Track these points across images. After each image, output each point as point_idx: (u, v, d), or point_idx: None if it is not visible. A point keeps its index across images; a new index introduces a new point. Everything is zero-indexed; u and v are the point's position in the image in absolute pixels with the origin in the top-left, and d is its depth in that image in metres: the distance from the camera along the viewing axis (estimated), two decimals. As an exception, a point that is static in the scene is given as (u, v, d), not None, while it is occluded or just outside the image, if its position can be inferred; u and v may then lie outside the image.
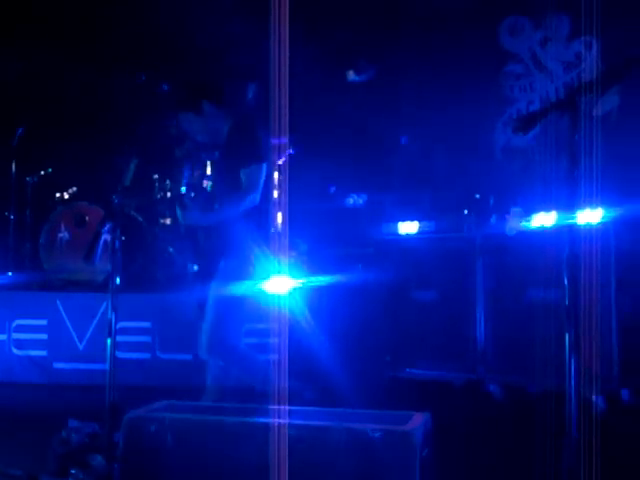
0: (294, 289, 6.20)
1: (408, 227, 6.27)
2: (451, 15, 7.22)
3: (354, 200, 7.28)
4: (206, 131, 4.38)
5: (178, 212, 4.33)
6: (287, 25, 6.03)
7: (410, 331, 6.05)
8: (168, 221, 7.19)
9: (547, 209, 5.37)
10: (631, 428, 4.61)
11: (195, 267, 4.47)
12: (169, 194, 7.16)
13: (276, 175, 7.01)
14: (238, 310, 4.30)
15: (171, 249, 7.10)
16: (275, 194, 6.94)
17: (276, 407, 3.52)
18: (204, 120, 4.34)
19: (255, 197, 4.32)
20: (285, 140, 6.75)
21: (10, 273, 7.23)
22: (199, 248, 4.33)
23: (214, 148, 4.49)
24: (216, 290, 4.23)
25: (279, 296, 5.91)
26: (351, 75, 7.91)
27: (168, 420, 3.17)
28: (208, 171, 6.76)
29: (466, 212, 6.09)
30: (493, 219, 5.83)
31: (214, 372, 4.40)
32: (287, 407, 3.50)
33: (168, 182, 7.16)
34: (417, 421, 3.09)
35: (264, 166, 4.28)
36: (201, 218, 4.26)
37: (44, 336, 6.49)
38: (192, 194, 4.18)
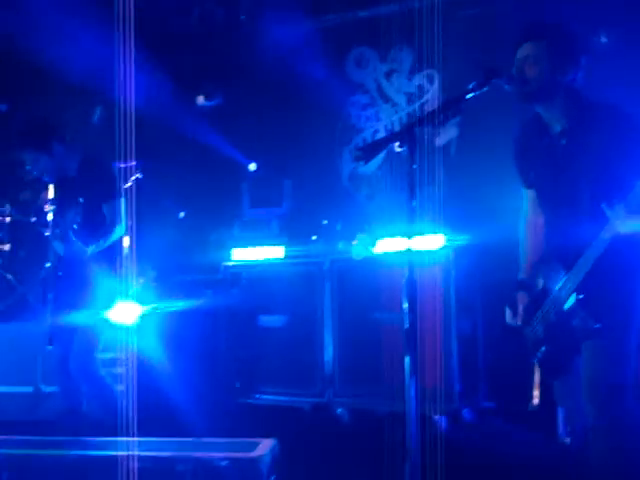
0: (142, 316, 6.07)
1: (257, 253, 6.29)
2: (300, 44, 7.35)
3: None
4: (56, 169, 4.44)
5: (58, 246, 4.36)
6: (132, 48, 5.95)
7: (259, 357, 6.05)
8: (7, 247, 6.88)
9: (391, 235, 5.54)
10: (472, 445, 4.79)
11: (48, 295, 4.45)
12: (8, 219, 6.87)
13: (122, 201, 6.89)
14: (95, 337, 4.46)
15: (9, 276, 6.79)
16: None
17: (122, 439, 3.43)
18: (54, 160, 4.37)
19: (123, 228, 4.56)
20: (133, 164, 6.66)
21: None
22: (56, 277, 4.34)
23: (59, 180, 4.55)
24: (79, 319, 4.34)
25: (126, 324, 5.79)
26: (201, 100, 7.89)
27: (3, 456, 3.02)
28: (49, 195, 6.56)
29: (314, 237, 6.18)
30: (340, 244, 5.94)
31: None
32: (134, 438, 3.42)
33: (7, 206, 6.87)
34: (264, 448, 3.10)
35: (123, 199, 4.41)
36: (84, 251, 4.32)
37: None
38: (74, 227, 4.19)
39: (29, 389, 5.97)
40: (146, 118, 5.99)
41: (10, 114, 4.69)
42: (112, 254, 4.60)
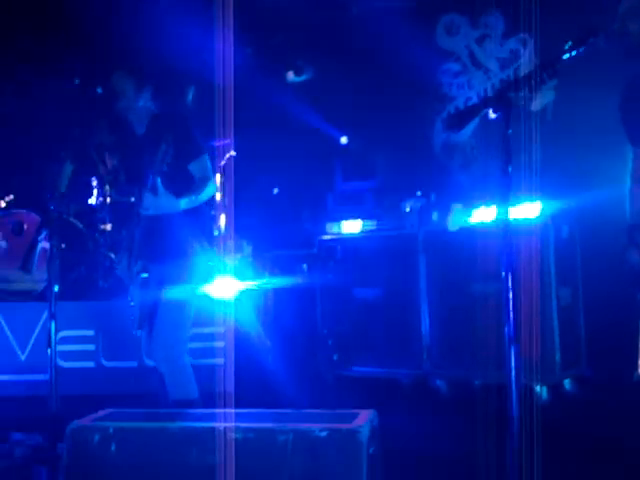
0: (240, 291, 6.18)
1: (350, 226, 6.30)
2: (388, 14, 7.27)
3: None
4: (130, 105, 4.23)
5: (147, 197, 3.99)
6: (231, 30, 6.00)
7: (356, 329, 6.07)
8: (108, 227, 7.10)
9: (487, 204, 5.44)
10: (573, 417, 4.70)
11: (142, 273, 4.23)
12: (109, 199, 7.09)
13: (218, 177, 7.00)
14: (186, 315, 4.17)
15: (112, 255, 7.01)
16: (218, 196, 6.93)
17: (221, 410, 3.50)
18: (134, 100, 4.22)
19: (214, 186, 4.29)
20: (228, 142, 6.75)
21: (-53, 285, 7.07)
22: (139, 251, 4.17)
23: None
24: (165, 294, 4.10)
25: (225, 299, 5.90)
26: (290, 76, 7.92)
27: (112, 429, 3.12)
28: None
29: (408, 209, 6.13)
30: (435, 215, 5.88)
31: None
32: (232, 410, 3.49)
33: (107, 187, 7.07)
34: (363, 419, 3.10)
35: (207, 156, 4.25)
36: (176, 204, 4.04)
37: (-16, 348, 6.35)
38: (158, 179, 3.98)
39: (134, 364, 6.16)
40: (237, 95, 6.06)
41: (105, 97, 4.77)
42: (204, 220, 4.39)
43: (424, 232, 5.80)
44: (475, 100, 6.95)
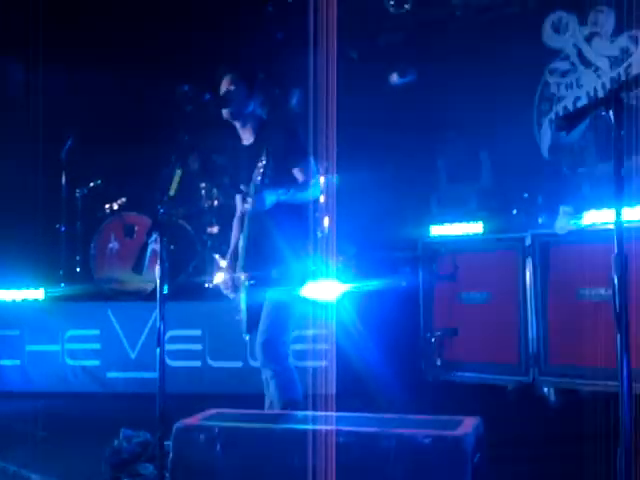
0: (343, 294, 6.19)
1: (455, 228, 6.21)
2: (495, 13, 7.16)
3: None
4: (238, 109, 4.22)
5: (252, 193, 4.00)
6: (335, 35, 6.02)
7: (460, 334, 5.98)
8: (215, 230, 7.23)
9: (597, 207, 5.27)
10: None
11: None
12: (216, 202, 7.23)
13: (322, 179, 7.02)
14: (289, 318, 4.19)
15: (218, 257, 7.14)
16: (322, 198, 6.96)
17: (324, 413, 3.50)
18: (245, 101, 4.21)
19: (319, 188, 4.27)
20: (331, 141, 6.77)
21: (62, 284, 7.35)
22: (244, 257, 4.21)
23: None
24: (268, 298, 4.14)
25: (327, 301, 5.92)
26: (394, 78, 7.88)
27: (217, 429, 3.17)
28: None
29: (514, 212, 6.01)
30: (542, 218, 5.74)
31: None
32: (335, 414, 3.49)
33: (215, 190, 7.21)
34: (468, 426, 3.05)
35: (312, 159, 4.23)
36: (261, 202, 3.98)
37: (97, 346, 6.58)
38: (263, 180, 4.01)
39: (239, 364, 6.26)
40: (340, 97, 6.07)
41: (214, 103, 4.86)
42: (307, 223, 4.31)
43: (531, 235, 5.66)
44: (584, 99, 6.76)
